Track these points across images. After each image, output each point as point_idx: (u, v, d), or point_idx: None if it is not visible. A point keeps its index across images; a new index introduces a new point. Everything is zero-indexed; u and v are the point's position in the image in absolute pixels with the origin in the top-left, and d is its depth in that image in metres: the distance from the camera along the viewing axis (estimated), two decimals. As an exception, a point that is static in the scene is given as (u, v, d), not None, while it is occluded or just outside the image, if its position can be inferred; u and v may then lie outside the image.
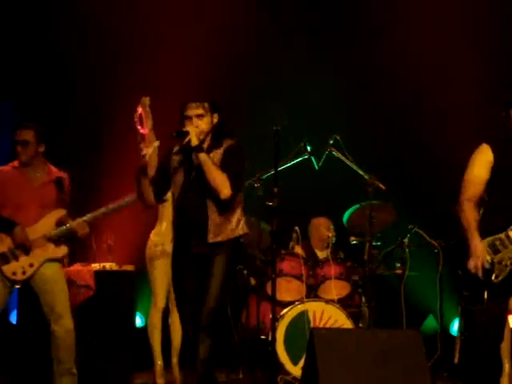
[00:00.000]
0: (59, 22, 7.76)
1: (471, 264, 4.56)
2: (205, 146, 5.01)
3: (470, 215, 4.64)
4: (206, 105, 5.06)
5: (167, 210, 6.45)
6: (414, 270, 6.69)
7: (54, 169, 5.69)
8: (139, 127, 5.97)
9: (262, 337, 6.38)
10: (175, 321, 6.49)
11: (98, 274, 6.36)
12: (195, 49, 7.76)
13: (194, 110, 5.02)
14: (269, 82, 7.87)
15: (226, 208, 4.97)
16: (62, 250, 5.57)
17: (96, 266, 6.45)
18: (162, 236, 6.47)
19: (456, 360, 6.17)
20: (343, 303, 6.47)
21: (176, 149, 5.10)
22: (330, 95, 7.88)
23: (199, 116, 5.03)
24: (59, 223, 5.56)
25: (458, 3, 7.77)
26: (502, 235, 4.56)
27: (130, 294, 6.56)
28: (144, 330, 6.68)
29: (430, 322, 7.21)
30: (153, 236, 6.51)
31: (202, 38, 7.77)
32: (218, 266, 4.95)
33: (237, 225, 5.05)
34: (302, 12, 8.11)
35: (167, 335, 6.53)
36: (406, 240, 6.56)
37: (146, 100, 5.98)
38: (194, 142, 4.92)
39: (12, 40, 7.68)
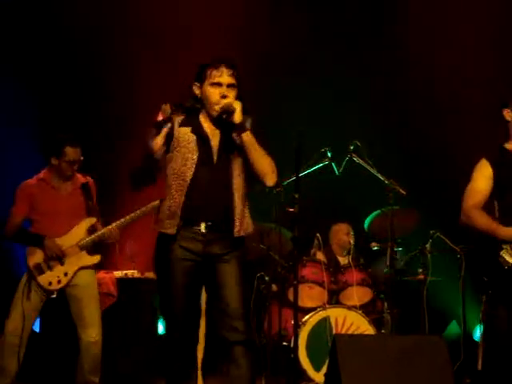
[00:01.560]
0: (75, 24, 7.80)
1: None
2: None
3: (482, 217, 4.66)
4: (238, 74, 4.22)
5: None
6: (437, 275, 6.65)
7: (78, 175, 5.72)
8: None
9: (284, 343, 6.38)
10: (197, 328, 6.50)
11: (121, 282, 6.40)
12: (216, 49, 7.76)
13: (227, 77, 4.16)
14: (290, 87, 7.85)
15: (246, 197, 4.25)
16: (96, 258, 5.62)
17: (118, 274, 6.49)
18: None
19: (479, 366, 6.13)
20: (365, 309, 6.46)
21: (180, 119, 4.24)
22: (350, 100, 7.87)
23: (232, 86, 4.19)
24: (91, 231, 5.59)
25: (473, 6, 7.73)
26: None
27: (153, 302, 6.57)
28: (166, 337, 6.69)
29: (453, 328, 7.17)
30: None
31: (224, 38, 7.76)
32: (237, 264, 4.25)
33: (250, 218, 4.34)
34: (326, 14, 8.09)
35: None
36: (427, 245, 6.53)
37: (167, 107, 5.99)
38: (239, 118, 4.13)
39: (31, 46, 7.73)
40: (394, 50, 7.88)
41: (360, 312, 6.34)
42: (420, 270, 6.60)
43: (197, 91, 4.24)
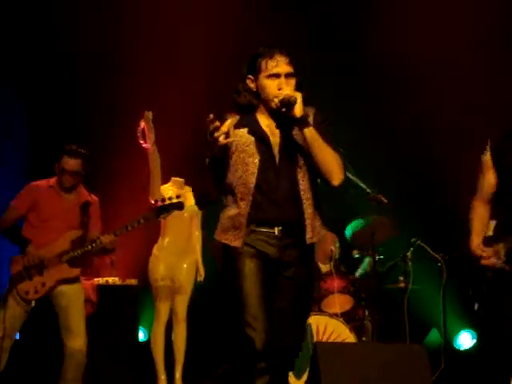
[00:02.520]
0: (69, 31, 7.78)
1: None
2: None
3: (476, 217, 4.57)
4: (294, 61, 3.82)
5: (170, 225, 6.47)
6: (418, 283, 6.67)
7: (84, 192, 5.70)
8: (142, 141, 6.02)
9: (266, 351, 6.36)
10: (178, 335, 6.50)
11: (101, 289, 6.38)
12: (202, 58, 7.77)
13: (285, 66, 3.77)
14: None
15: (315, 198, 3.85)
16: (75, 271, 5.57)
17: (99, 281, 6.47)
18: (164, 250, 6.48)
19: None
20: (346, 317, 6.46)
21: (234, 120, 3.76)
22: (331, 108, 7.87)
23: (290, 76, 3.79)
24: (74, 243, 5.55)
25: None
26: None
27: (133, 309, 6.56)
28: (147, 344, 6.68)
29: (434, 336, 7.18)
30: (155, 250, 6.52)
31: (211, 46, 7.77)
32: (307, 273, 3.89)
33: (322, 220, 3.94)
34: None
35: (170, 350, 6.53)
36: (409, 253, 6.55)
37: (149, 114, 6.00)
38: (299, 111, 3.69)
39: (19, 46, 7.71)
40: (379, 53, 7.87)
41: (341, 320, 6.34)
42: (401, 278, 6.60)
43: (251, 85, 3.83)
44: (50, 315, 5.58)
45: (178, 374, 6.51)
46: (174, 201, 5.56)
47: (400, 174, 7.93)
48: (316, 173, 3.80)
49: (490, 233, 4.58)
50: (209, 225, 6.77)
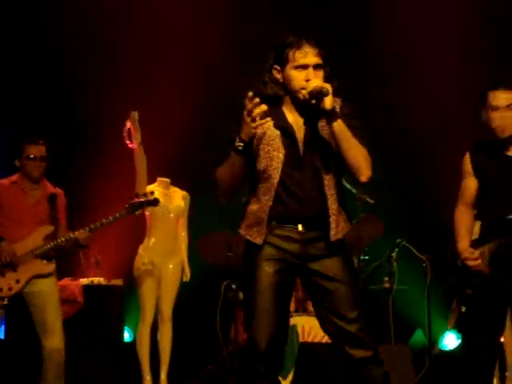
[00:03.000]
0: (56, 34, 7.75)
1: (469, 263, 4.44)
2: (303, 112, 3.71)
3: (460, 221, 4.56)
4: (323, 52, 3.67)
5: (156, 225, 6.47)
6: (402, 284, 6.68)
7: (48, 185, 5.67)
8: (128, 142, 6.01)
9: (251, 351, 6.36)
10: (164, 335, 6.49)
11: (87, 289, 6.37)
12: (192, 60, 7.75)
13: (313, 57, 3.63)
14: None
15: (342, 194, 3.77)
16: (50, 267, 5.54)
17: (84, 281, 6.46)
18: (150, 251, 6.48)
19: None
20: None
21: (261, 111, 3.54)
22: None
23: (319, 67, 3.65)
24: (47, 239, 5.53)
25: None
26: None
27: (119, 309, 6.55)
28: (132, 344, 6.68)
29: (419, 337, 7.21)
30: (141, 250, 6.52)
31: (200, 50, 7.76)
32: (343, 268, 3.72)
33: (347, 215, 3.82)
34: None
35: (156, 350, 6.53)
36: (394, 254, 6.57)
37: (135, 114, 6.00)
38: (330, 103, 3.57)
39: (8, 53, 7.68)
40: (379, 53, 7.87)
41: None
42: (386, 279, 6.61)
43: (277, 75, 3.68)
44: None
45: (163, 375, 6.50)
46: (149, 197, 5.60)
47: (385, 174, 7.94)
48: (343, 168, 3.69)
49: (476, 235, 4.62)
50: (194, 225, 6.81)
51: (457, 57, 7.55)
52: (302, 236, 3.68)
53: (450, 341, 7.67)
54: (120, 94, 7.48)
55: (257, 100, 3.51)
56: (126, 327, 7.14)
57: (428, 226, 7.42)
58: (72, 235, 5.47)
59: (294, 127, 3.70)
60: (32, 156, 5.51)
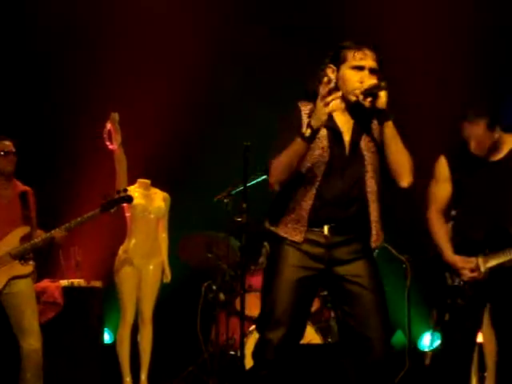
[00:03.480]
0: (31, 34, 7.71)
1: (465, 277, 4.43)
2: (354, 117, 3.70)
3: (440, 229, 4.58)
4: (381, 58, 3.67)
5: (136, 226, 6.46)
6: (383, 285, 6.70)
7: (18, 183, 5.64)
8: (108, 143, 6.00)
9: (232, 352, 6.37)
10: (144, 337, 6.48)
11: (66, 290, 6.34)
12: (169, 63, 7.74)
13: (371, 61, 3.63)
14: (240, 97, 7.85)
15: (382, 199, 3.75)
16: (28, 268, 5.52)
17: (64, 282, 6.43)
18: (130, 252, 6.46)
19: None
20: (312, 318, 6.47)
21: (308, 109, 3.65)
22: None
23: (374, 72, 3.64)
24: (24, 240, 5.50)
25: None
26: None
27: (99, 311, 6.53)
28: (112, 346, 6.66)
29: (399, 337, 7.23)
30: (121, 252, 6.50)
31: (178, 54, 7.75)
32: (369, 274, 3.71)
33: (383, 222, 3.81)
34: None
35: (136, 351, 6.51)
36: (374, 255, 6.58)
37: (116, 116, 5.99)
38: (384, 103, 3.57)
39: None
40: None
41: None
42: (366, 280, 6.63)
43: (331, 75, 3.66)
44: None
45: (143, 376, 6.48)
46: (122, 194, 5.59)
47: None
48: (386, 173, 3.68)
49: None
50: (175, 226, 6.81)
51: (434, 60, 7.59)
52: (328, 240, 3.66)
53: (430, 341, 7.71)
54: (99, 94, 7.45)
55: (332, 85, 3.53)
56: (106, 329, 7.12)
57: (408, 227, 7.44)
58: (48, 235, 5.44)
59: (342, 129, 3.69)
60: (3, 152, 5.49)
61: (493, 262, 4.36)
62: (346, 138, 3.68)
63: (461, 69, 7.40)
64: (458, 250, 4.48)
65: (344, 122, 3.70)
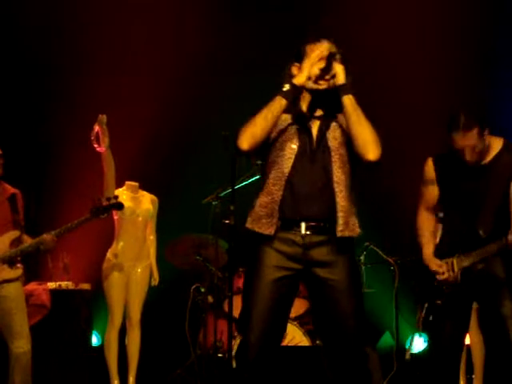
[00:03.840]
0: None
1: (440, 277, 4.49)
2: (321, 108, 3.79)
3: (423, 226, 4.63)
4: (341, 50, 3.80)
5: (124, 229, 6.45)
6: (370, 287, 6.72)
7: (7, 186, 5.62)
8: (96, 145, 5.98)
9: (220, 355, 6.37)
10: (132, 340, 6.48)
11: (54, 293, 6.32)
12: (159, 65, 7.73)
13: (326, 51, 3.76)
14: (228, 98, 7.85)
15: (352, 190, 3.76)
16: (17, 272, 5.50)
17: (52, 285, 6.41)
18: (118, 255, 6.46)
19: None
20: (300, 321, 6.49)
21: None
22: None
23: (330, 56, 3.77)
24: (14, 244, 5.48)
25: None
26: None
27: (87, 313, 6.52)
28: (100, 348, 6.65)
29: (387, 339, 7.25)
30: (109, 254, 6.49)
31: (166, 57, 7.74)
32: (348, 277, 3.69)
33: (357, 217, 3.80)
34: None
35: (124, 354, 6.51)
36: (362, 257, 6.60)
37: (103, 118, 5.96)
38: (341, 79, 3.67)
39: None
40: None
41: (295, 323, 6.36)
42: (354, 282, 6.64)
43: (295, 72, 3.78)
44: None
45: (131, 379, 6.48)
46: (113, 201, 5.58)
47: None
48: (352, 147, 3.68)
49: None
50: (163, 229, 6.80)
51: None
52: (305, 240, 3.67)
53: (418, 343, 7.73)
54: (88, 96, 7.45)
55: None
56: (94, 331, 7.11)
57: (395, 230, 7.46)
58: (37, 240, 5.43)
59: (310, 121, 3.76)
60: None
61: (465, 263, 4.43)
62: (314, 129, 3.75)
63: (447, 68, 7.45)
64: (441, 251, 4.53)
65: (311, 114, 3.79)
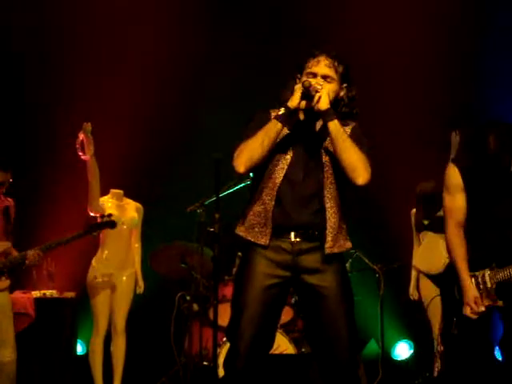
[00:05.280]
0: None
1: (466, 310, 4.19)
2: (318, 124, 3.77)
3: (457, 247, 4.28)
4: (341, 68, 3.75)
5: (109, 237, 6.43)
6: (356, 294, 6.67)
7: (2, 197, 5.60)
8: (81, 153, 5.98)
9: (205, 363, 6.36)
10: (117, 347, 6.46)
11: (39, 302, 6.30)
12: (143, 73, 7.72)
13: (323, 68, 3.72)
14: (212, 107, 7.86)
15: (343, 206, 3.76)
16: (6, 282, 5.49)
17: (36, 294, 6.39)
18: (103, 262, 6.44)
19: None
20: (286, 328, 6.48)
21: (276, 113, 3.73)
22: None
23: (327, 78, 3.73)
24: (4, 255, 5.47)
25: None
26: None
27: (71, 322, 6.52)
28: (85, 357, 6.63)
29: (372, 347, 7.26)
30: (94, 262, 6.48)
31: (151, 63, 7.74)
32: (338, 285, 3.70)
33: (347, 232, 3.83)
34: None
35: (109, 362, 6.48)
36: (347, 265, 6.60)
37: (88, 126, 5.97)
38: (325, 104, 3.63)
39: None
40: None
41: (281, 331, 6.35)
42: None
43: (296, 86, 3.77)
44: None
45: (116, 387, 6.47)
46: (106, 219, 5.59)
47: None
48: (342, 172, 3.67)
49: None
50: (148, 236, 6.79)
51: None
52: (295, 247, 3.69)
53: (403, 351, 7.75)
54: (72, 105, 7.44)
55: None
56: (78, 340, 7.08)
57: (381, 237, 7.49)
58: (22, 254, 5.42)
59: (306, 133, 3.75)
60: None
61: (500, 276, 4.17)
62: (309, 142, 3.74)
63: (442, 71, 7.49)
64: (473, 265, 4.25)
65: (308, 127, 3.77)
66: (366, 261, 6.57)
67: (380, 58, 7.55)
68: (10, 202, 5.63)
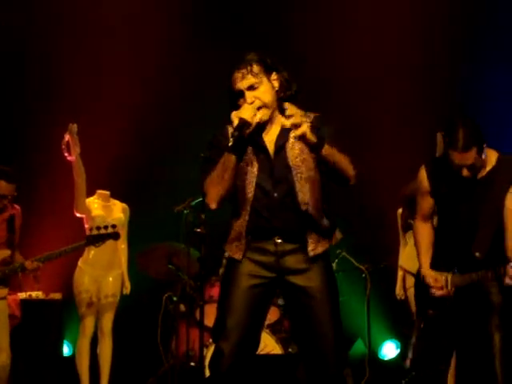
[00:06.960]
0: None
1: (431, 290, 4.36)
2: (275, 124, 3.71)
3: (423, 238, 4.49)
4: (257, 68, 3.64)
5: (96, 237, 6.43)
6: (343, 294, 6.73)
7: (8, 204, 5.57)
8: (66, 154, 5.98)
9: (192, 364, 6.36)
10: (104, 349, 6.45)
11: (25, 303, 6.28)
12: (129, 74, 7.71)
13: (243, 82, 3.62)
14: (198, 108, 7.85)
15: (323, 203, 3.75)
16: (4, 290, 5.50)
17: (22, 295, 6.37)
18: (90, 264, 6.42)
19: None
20: (273, 328, 6.48)
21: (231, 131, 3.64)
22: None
23: (251, 88, 3.63)
24: (4, 263, 5.47)
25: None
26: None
27: (57, 323, 6.50)
28: (72, 358, 6.61)
29: (359, 346, 7.27)
30: (81, 263, 6.46)
31: (137, 63, 7.73)
32: (322, 284, 3.68)
33: (334, 225, 3.84)
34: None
35: (95, 364, 6.47)
36: (333, 265, 6.62)
37: (74, 127, 5.97)
38: (312, 138, 3.57)
39: None
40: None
41: (267, 331, 6.35)
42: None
43: (235, 119, 3.67)
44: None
45: (103, 389, 6.46)
46: (110, 230, 5.62)
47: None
48: (327, 178, 3.71)
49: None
50: (135, 237, 6.78)
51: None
52: (278, 248, 3.67)
53: (389, 350, 7.77)
54: (58, 105, 7.42)
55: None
56: (65, 341, 7.07)
57: (367, 237, 7.49)
58: (19, 265, 5.46)
59: (266, 142, 3.70)
60: (4, 194, 5.45)
61: (459, 283, 4.30)
62: (271, 149, 3.70)
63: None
64: (437, 264, 4.42)
65: (267, 135, 3.73)
66: (353, 261, 6.59)
67: (371, 61, 7.57)
68: (16, 210, 5.62)
